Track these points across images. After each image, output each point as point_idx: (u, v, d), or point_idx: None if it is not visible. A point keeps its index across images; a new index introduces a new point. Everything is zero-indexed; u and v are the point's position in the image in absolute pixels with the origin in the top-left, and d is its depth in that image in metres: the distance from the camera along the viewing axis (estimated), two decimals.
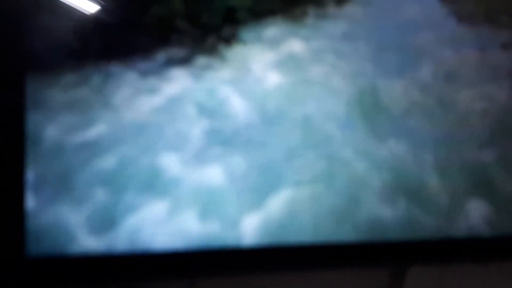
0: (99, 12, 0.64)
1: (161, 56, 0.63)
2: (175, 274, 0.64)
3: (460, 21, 0.72)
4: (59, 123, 0.59)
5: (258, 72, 0.64)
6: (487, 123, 0.71)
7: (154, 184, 0.60)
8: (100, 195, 0.59)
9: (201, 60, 0.64)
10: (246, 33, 0.66)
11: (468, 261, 0.70)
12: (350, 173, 0.65)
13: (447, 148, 0.68)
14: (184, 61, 0.64)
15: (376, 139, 0.66)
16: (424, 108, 0.68)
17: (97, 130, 0.60)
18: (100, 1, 0.64)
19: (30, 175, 0.58)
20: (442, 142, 0.68)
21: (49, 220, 0.58)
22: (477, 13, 0.73)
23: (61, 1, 0.63)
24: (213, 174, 0.62)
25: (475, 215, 0.68)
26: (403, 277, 0.70)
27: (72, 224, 0.58)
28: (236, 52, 0.65)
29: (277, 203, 0.63)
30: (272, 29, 0.67)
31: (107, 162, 0.59)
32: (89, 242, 0.59)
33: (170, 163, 0.61)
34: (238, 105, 0.63)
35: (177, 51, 0.64)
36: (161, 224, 0.60)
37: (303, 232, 0.63)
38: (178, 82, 0.63)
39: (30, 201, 0.58)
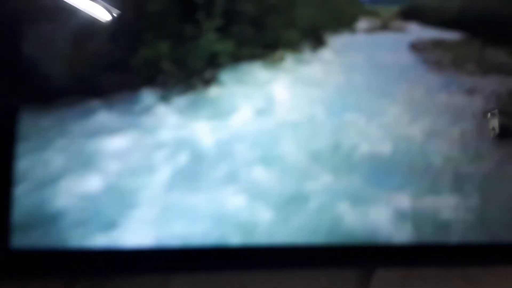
0: (90, 50, 0.69)
1: (145, 94, 0.68)
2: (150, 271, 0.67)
3: (429, 68, 0.77)
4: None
5: (234, 112, 0.69)
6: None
7: None
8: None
9: (183, 100, 0.68)
10: (226, 75, 0.71)
11: (433, 266, 0.73)
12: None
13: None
14: (167, 100, 0.68)
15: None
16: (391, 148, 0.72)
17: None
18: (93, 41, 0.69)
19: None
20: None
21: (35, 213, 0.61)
22: (445, 60, 0.78)
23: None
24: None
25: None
26: (370, 280, 0.73)
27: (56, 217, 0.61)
28: (216, 93, 0.70)
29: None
30: (251, 72, 0.72)
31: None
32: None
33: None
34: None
35: (161, 91, 0.68)
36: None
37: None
38: (159, 120, 0.67)
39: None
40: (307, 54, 0.74)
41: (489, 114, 0.79)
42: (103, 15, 0.70)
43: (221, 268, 0.68)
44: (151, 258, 0.65)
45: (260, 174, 0.68)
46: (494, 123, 0.79)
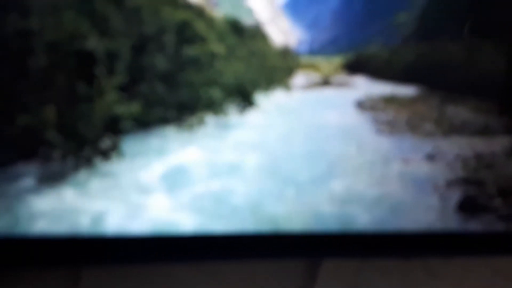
0: None
1: (24, 173, 0.53)
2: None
3: (379, 130, 0.65)
4: None
5: (137, 193, 0.54)
6: None
7: None
8: None
9: (71, 178, 0.54)
10: (130, 145, 0.57)
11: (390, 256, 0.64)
12: None
13: None
14: (51, 179, 0.53)
15: None
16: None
17: None
18: None
19: None
20: None
21: None
22: (399, 120, 0.66)
23: None
24: None
25: None
26: (317, 271, 0.63)
27: None
28: (115, 168, 0.55)
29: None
30: (161, 140, 0.58)
31: None
32: None
33: None
34: None
35: (44, 167, 0.54)
36: None
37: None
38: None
39: None
40: (232, 116, 0.61)
41: None
42: None
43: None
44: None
45: None
46: None
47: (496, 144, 0.71)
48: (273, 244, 0.58)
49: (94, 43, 0.61)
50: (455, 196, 0.68)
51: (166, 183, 0.58)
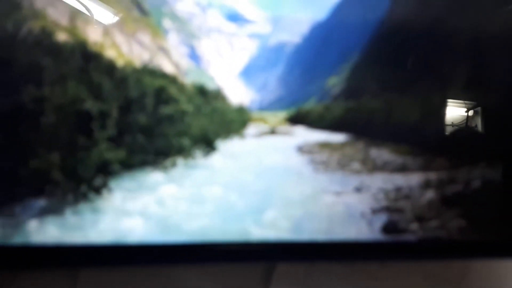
0: None
1: (30, 206, 0.68)
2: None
3: (315, 168, 0.81)
4: None
5: (123, 219, 0.69)
6: None
7: None
8: None
9: (70, 210, 0.69)
10: (117, 183, 0.72)
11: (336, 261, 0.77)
12: None
13: None
14: (54, 211, 0.68)
15: None
16: None
17: None
18: None
19: None
20: None
21: None
22: (331, 161, 0.82)
23: None
24: None
25: None
26: (271, 273, 0.74)
27: None
28: (106, 200, 0.71)
29: None
30: (142, 178, 0.74)
31: None
32: None
33: None
34: None
35: (48, 201, 0.69)
36: None
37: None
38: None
39: None
40: (198, 160, 0.77)
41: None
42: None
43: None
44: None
45: None
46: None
47: (412, 179, 0.87)
48: (233, 250, 0.70)
49: (90, 105, 0.77)
50: (380, 221, 0.83)
51: (146, 211, 0.73)
